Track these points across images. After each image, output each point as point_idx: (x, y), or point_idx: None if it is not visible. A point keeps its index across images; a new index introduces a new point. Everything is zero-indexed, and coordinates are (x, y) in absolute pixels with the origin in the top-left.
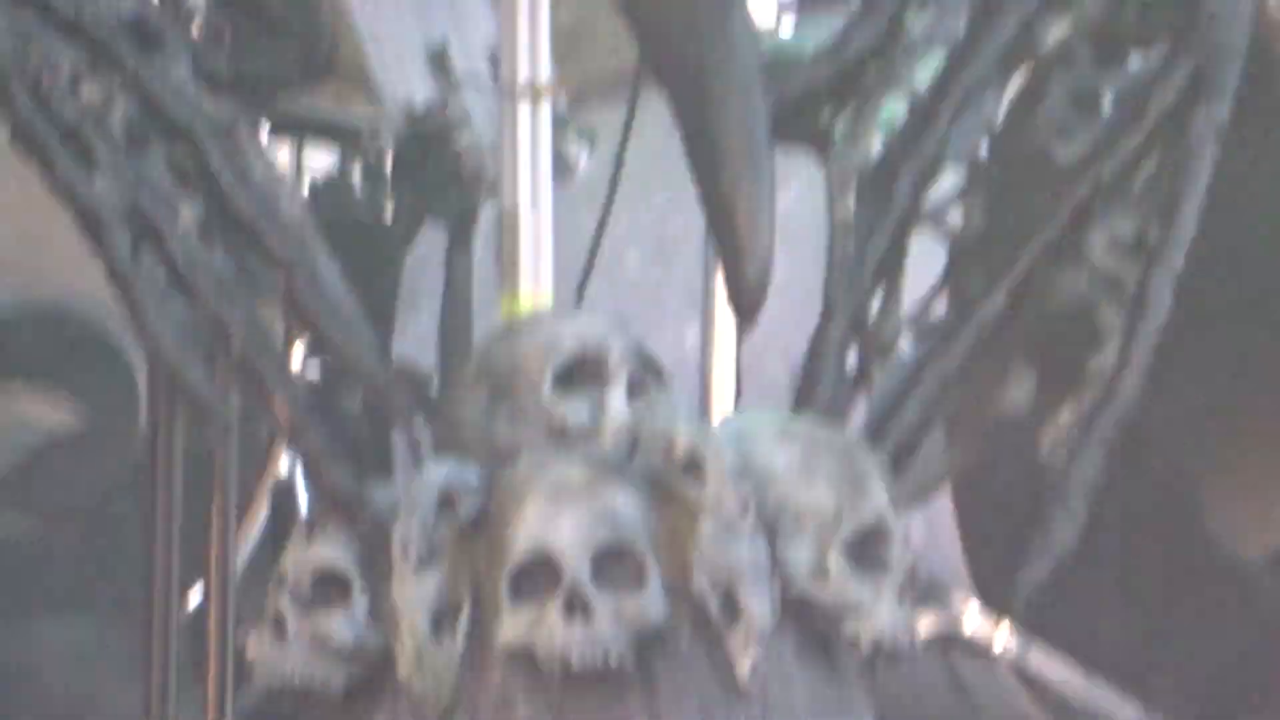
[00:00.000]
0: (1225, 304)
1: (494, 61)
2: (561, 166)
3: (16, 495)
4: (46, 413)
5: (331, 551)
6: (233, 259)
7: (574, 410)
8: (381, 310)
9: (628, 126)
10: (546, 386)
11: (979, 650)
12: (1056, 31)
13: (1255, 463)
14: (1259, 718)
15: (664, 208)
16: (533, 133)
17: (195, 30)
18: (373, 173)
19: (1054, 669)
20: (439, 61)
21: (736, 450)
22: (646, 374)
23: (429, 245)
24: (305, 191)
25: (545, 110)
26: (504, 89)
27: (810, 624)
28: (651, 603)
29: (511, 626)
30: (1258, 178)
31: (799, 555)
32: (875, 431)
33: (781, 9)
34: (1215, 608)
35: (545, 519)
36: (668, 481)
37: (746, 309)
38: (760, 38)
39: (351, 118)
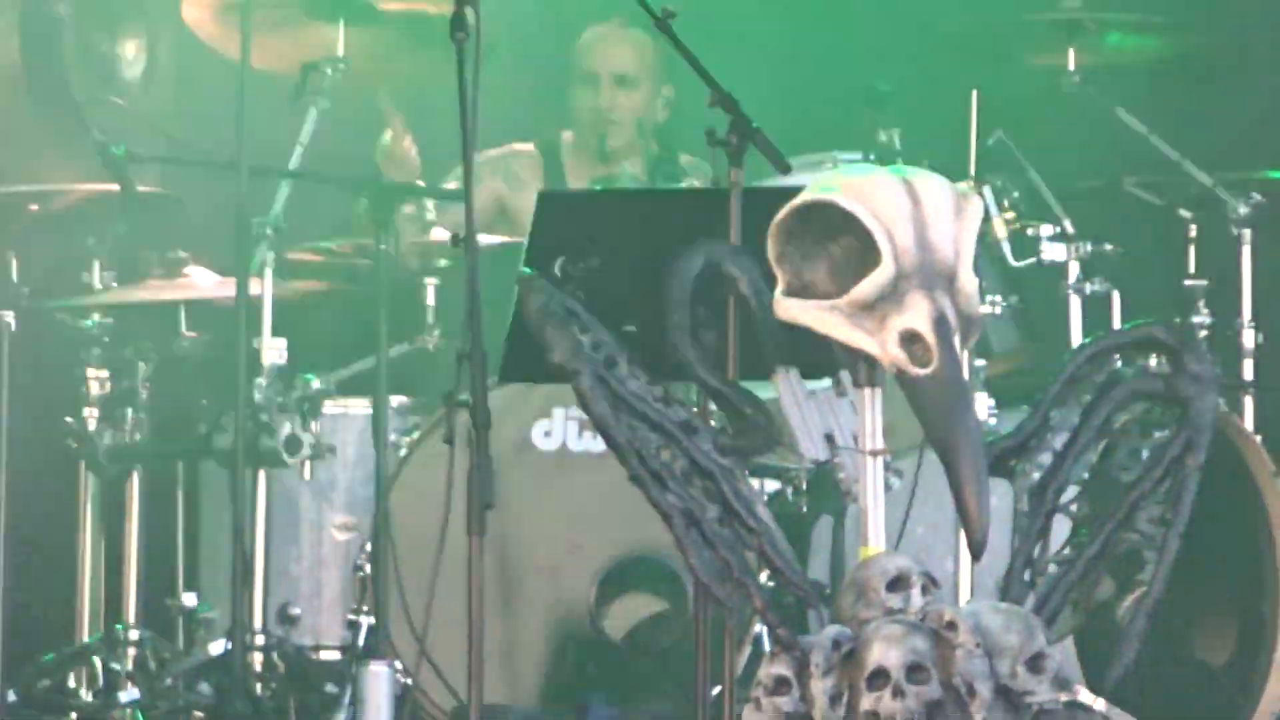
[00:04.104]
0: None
1: (855, 438)
2: (887, 488)
3: None
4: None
5: (781, 668)
6: (732, 530)
7: (895, 601)
8: (800, 556)
9: (918, 469)
10: (882, 590)
11: (1089, 710)
12: (1123, 420)
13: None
14: None
15: (939, 503)
16: (874, 472)
17: (712, 424)
18: (798, 492)
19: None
20: (829, 439)
21: (972, 618)
22: (929, 583)
23: (822, 526)
24: (764, 498)
25: (880, 461)
26: (860, 451)
27: (1008, 699)
28: (934, 690)
29: (867, 702)
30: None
31: (1003, 668)
32: (1039, 610)
33: (990, 412)
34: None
35: (883, 651)
36: (941, 632)
37: (976, 551)
38: (980, 426)
39: (788, 464)
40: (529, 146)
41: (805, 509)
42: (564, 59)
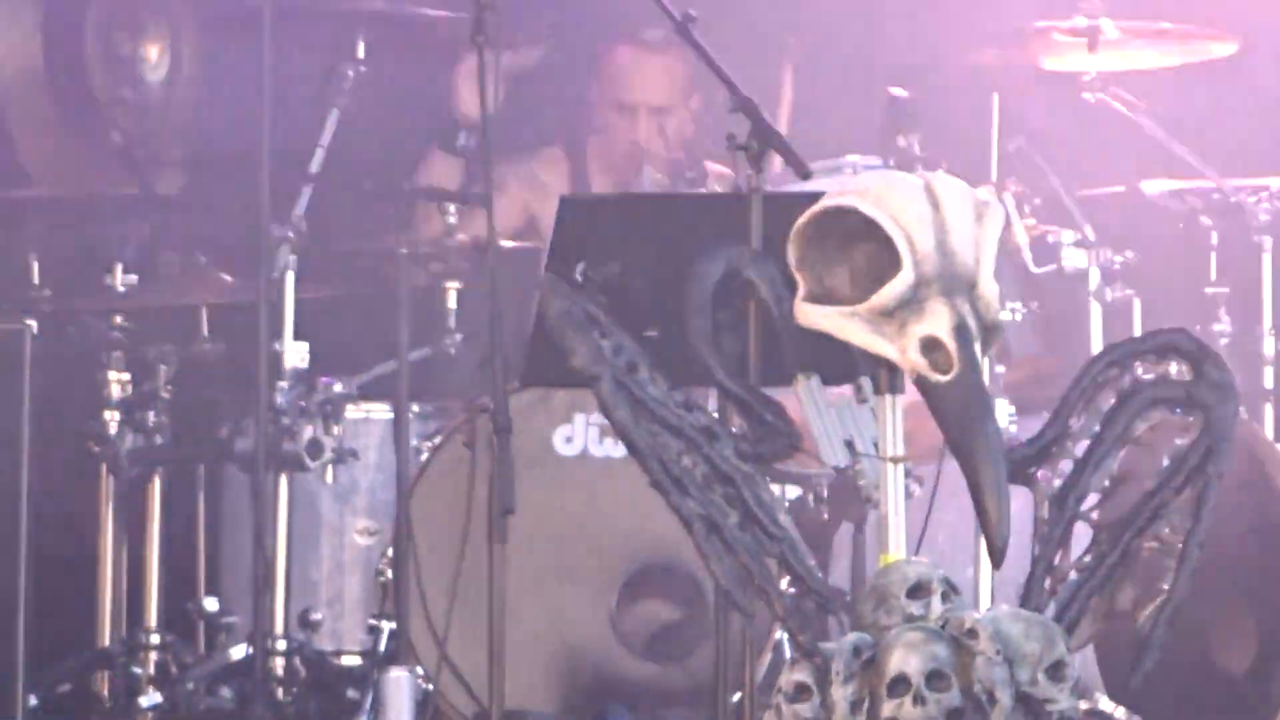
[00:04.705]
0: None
1: (875, 444)
2: (907, 494)
3: None
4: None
5: (801, 675)
6: (753, 537)
7: (916, 608)
8: (821, 563)
9: (937, 475)
10: (903, 596)
11: (1110, 717)
12: (1143, 427)
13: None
14: None
15: (960, 510)
16: (894, 478)
17: (733, 429)
18: (819, 498)
19: None
20: (850, 446)
21: (993, 625)
22: (950, 590)
23: (843, 533)
24: (785, 505)
25: (900, 468)
26: (881, 458)
27: (1028, 707)
28: (954, 697)
29: (888, 709)
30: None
31: (1023, 675)
32: (1059, 617)
33: (1010, 419)
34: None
35: (903, 658)
36: (961, 639)
37: (996, 558)
38: (1001, 433)
39: (809, 471)
40: (555, 150)
41: (826, 516)
42: (586, 60)
